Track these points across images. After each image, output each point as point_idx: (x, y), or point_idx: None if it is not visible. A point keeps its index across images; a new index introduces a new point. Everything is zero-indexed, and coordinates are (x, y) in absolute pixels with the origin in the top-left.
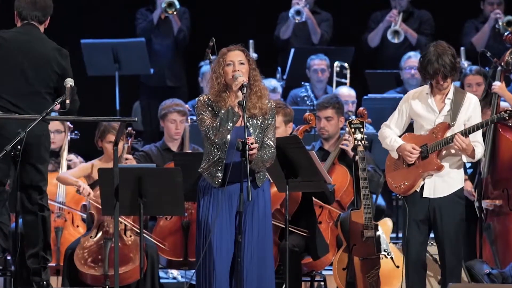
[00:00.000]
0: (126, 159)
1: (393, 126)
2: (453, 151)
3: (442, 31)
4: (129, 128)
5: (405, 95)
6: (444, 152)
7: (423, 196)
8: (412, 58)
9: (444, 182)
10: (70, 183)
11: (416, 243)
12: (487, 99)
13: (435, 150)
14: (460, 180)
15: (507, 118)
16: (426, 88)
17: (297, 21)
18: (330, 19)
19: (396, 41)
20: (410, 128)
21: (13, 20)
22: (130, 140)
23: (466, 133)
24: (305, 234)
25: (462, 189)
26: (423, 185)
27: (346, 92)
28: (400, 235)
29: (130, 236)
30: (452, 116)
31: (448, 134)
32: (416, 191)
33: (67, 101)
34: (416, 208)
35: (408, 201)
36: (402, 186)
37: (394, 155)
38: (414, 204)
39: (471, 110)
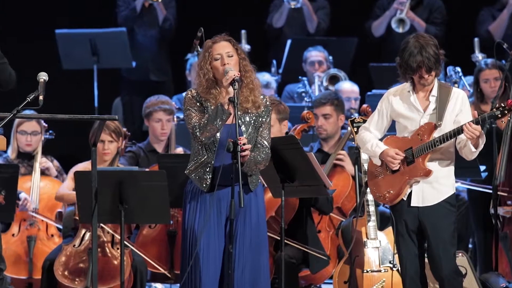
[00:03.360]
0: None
1: (373, 128)
2: (441, 154)
3: (455, 19)
4: (124, 129)
5: (385, 93)
6: (431, 156)
7: (411, 205)
8: None
9: (433, 189)
10: (72, 199)
11: (411, 257)
12: (505, 95)
13: (421, 154)
14: (451, 186)
15: (499, 116)
16: (407, 85)
17: (292, 6)
18: (327, 6)
19: (400, 30)
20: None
21: (14, 19)
22: (124, 142)
23: (478, 121)
24: (302, 248)
25: (453, 195)
26: (410, 193)
27: (349, 88)
28: None
29: (118, 249)
30: (438, 115)
31: (435, 135)
32: (403, 199)
33: (41, 97)
34: (405, 218)
35: (395, 212)
36: (387, 195)
37: (377, 161)
38: (402, 214)
39: (459, 105)
